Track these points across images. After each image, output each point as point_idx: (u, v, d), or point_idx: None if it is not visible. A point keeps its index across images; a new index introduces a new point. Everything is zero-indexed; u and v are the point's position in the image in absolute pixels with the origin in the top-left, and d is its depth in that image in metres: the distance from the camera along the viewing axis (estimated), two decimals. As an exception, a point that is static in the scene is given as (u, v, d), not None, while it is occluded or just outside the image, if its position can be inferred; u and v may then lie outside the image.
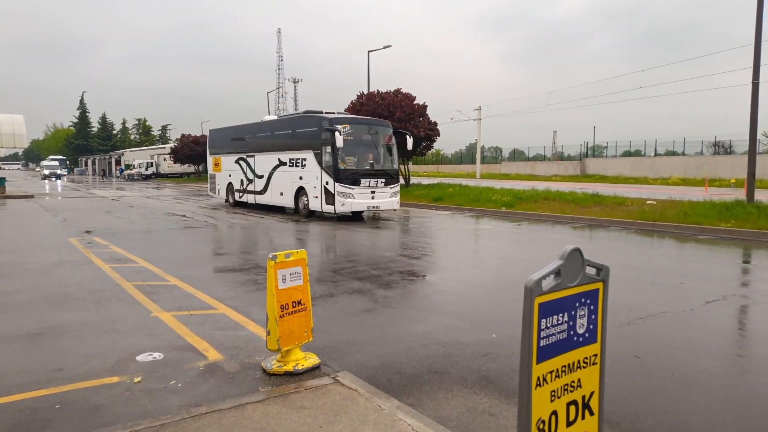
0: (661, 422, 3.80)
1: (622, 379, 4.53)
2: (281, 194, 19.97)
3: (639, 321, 6.22)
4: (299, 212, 19.09)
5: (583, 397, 2.55)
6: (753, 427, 3.77)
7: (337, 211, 17.09)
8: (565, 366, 2.46)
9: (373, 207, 17.59)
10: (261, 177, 21.23)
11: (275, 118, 22.40)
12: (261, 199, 21.41)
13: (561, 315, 2.42)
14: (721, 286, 8.20)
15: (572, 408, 2.50)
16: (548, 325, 2.37)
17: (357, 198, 17.13)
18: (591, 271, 2.55)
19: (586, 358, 2.56)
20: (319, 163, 17.56)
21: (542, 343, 2.34)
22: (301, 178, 18.63)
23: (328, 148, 17.13)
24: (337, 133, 16.41)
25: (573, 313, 2.48)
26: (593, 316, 2.58)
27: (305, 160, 18.32)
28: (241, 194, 22.94)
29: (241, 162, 22.74)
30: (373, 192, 17.44)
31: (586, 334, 2.55)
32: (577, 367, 2.52)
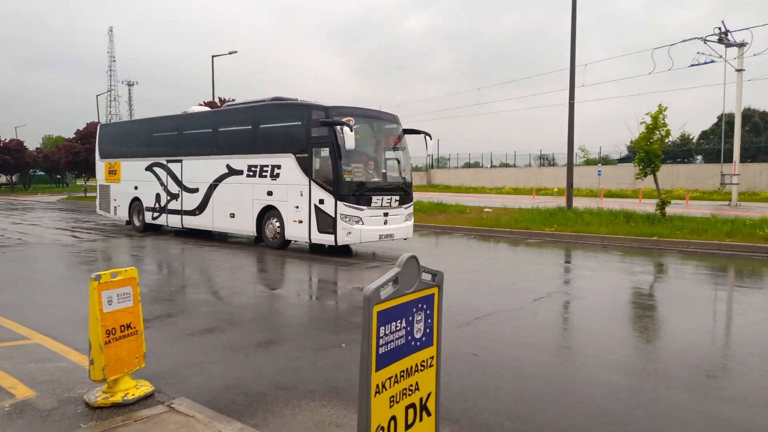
0: (495, 414, 4.05)
1: (461, 376, 4.77)
2: (232, 216, 14.24)
3: (476, 320, 6.64)
4: (267, 241, 13.44)
5: (421, 399, 2.60)
6: (572, 409, 4.17)
7: (339, 242, 11.83)
8: (403, 371, 2.49)
9: (387, 235, 12.34)
10: (194, 191, 15.40)
11: (210, 109, 16.41)
12: (194, 222, 15.53)
13: (399, 321, 2.45)
14: (546, 284, 9.09)
15: (410, 411, 2.54)
16: (387, 332, 2.38)
17: (367, 223, 11.91)
18: (427, 277, 2.63)
19: (424, 361, 2.62)
20: (307, 172, 12.27)
21: (381, 350, 2.34)
22: (270, 193, 13.19)
23: (324, 151, 11.94)
24: (345, 129, 11.19)
25: (411, 318, 2.53)
26: (429, 320, 2.66)
27: (279, 167, 12.95)
28: (156, 214, 16.77)
29: (158, 169, 16.66)
30: (386, 214, 12.27)
31: (423, 338, 2.62)
32: (415, 371, 2.57)
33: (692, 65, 26.27)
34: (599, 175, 38.44)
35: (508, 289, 8.68)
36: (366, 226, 11.84)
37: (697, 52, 26.42)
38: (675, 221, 15.61)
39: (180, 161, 15.97)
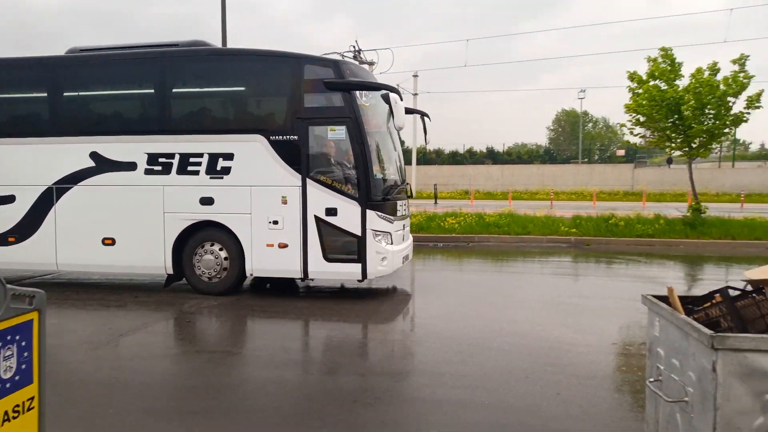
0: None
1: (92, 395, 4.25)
2: (108, 242, 8.24)
3: (120, 338, 6.06)
4: (197, 283, 8.08)
5: (17, 452, 2.13)
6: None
7: (370, 275, 7.69)
8: (-13, 424, 1.99)
9: (405, 257, 8.44)
10: (4, 201, 8.52)
11: (41, 56, 8.87)
12: (6, 257, 8.51)
13: (-27, 364, 1.94)
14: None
15: (2, 472, 2.05)
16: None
17: (395, 242, 7.97)
18: (20, 301, 2.16)
19: (18, 405, 2.14)
20: (294, 164, 7.66)
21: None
22: (208, 201, 7.90)
23: (337, 132, 7.61)
24: (393, 97, 7.53)
25: (-5, 356, 2.03)
26: (27, 354, 2.19)
27: (229, 158, 7.86)
28: None
29: None
30: (404, 227, 8.62)
31: (17, 377, 2.14)
32: (6, 420, 2.08)
33: (334, 78, 29.69)
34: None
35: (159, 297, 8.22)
36: (394, 246, 7.91)
37: (337, 67, 29.99)
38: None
39: None
